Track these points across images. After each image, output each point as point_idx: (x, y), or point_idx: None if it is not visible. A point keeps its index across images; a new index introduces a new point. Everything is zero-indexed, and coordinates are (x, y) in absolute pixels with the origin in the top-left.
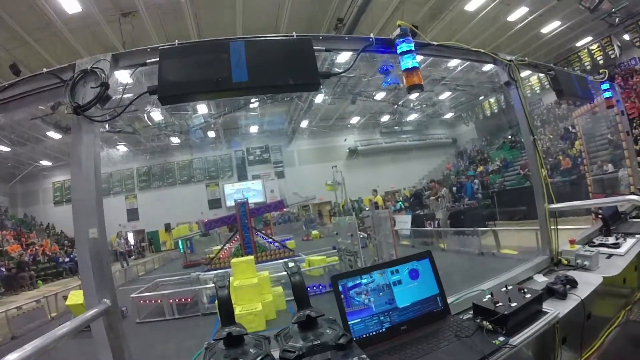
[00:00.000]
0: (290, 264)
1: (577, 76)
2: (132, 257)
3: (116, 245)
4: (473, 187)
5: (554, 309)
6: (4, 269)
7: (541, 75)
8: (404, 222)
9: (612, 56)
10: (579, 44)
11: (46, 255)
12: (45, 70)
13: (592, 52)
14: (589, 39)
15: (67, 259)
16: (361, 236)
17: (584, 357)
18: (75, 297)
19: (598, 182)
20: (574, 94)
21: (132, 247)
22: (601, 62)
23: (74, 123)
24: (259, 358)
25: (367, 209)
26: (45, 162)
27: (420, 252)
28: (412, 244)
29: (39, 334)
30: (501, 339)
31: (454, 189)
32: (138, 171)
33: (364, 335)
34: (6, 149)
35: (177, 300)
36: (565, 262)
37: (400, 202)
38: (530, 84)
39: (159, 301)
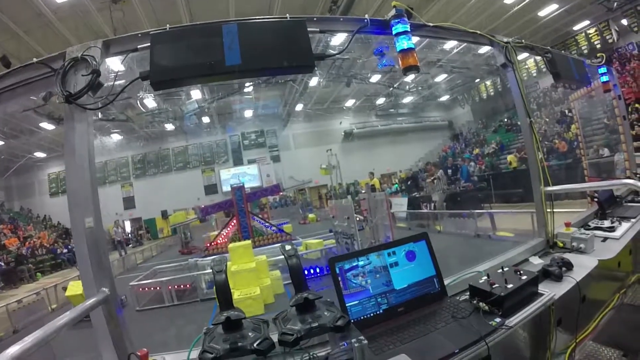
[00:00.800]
0: (287, 247)
1: (574, 59)
2: (129, 246)
3: (113, 234)
4: (469, 170)
5: (550, 291)
6: (2, 263)
7: (538, 58)
8: (400, 204)
9: (610, 41)
10: (576, 28)
11: (44, 247)
12: (35, 60)
13: (590, 36)
14: (586, 23)
15: (65, 250)
16: (358, 219)
17: (578, 338)
18: (75, 287)
19: (594, 166)
20: (571, 77)
21: (129, 235)
22: (598, 46)
23: (66, 112)
24: (258, 341)
25: (363, 191)
26: (39, 154)
27: (416, 233)
28: (408, 226)
29: (40, 326)
30: (497, 320)
31: (449, 171)
32: (133, 159)
33: (362, 317)
34: None
35: (175, 286)
36: (561, 245)
37: (396, 185)
38: (527, 67)
39: (158, 288)
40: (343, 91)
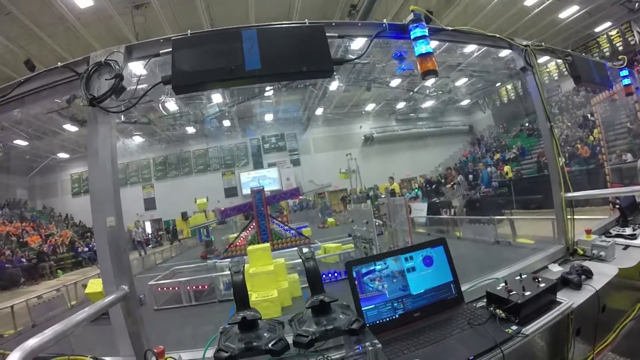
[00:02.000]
0: (305, 250)
1: (595, 62)
2: (149, 246)
3: (134, 234)
4: (489, 175)
5: (568, 300)
6: (24, 260)
7: (559, 61)
8: (420, 209)
9: (632, 42)
10: (597, 30)
11: (65, 245)
12: (60, 64)
13: (611, 38)
14: (608, 24)
15: (86, 249)
16: (377, 224)
17: (597, 349)
18: (94, 285)
19: (616, 171)
20: (592, 81)
21: (149, 235)
22: (620, 48)
23: (89, 115)
24: (273, 342)
25: (382, 196)
26: (62, 155)
27: (434, 239)
28: (427, 231)
29: (58, 321)
30: (514, 327)
31: (470, 176)
32: (154, 161)
33: (377, 322)
34: (24, 143)
35: (194, 287)
36: (581, 252)
37: (416, 190)
38: (548, 70)
39: (176, 288)
40: (363, 95)
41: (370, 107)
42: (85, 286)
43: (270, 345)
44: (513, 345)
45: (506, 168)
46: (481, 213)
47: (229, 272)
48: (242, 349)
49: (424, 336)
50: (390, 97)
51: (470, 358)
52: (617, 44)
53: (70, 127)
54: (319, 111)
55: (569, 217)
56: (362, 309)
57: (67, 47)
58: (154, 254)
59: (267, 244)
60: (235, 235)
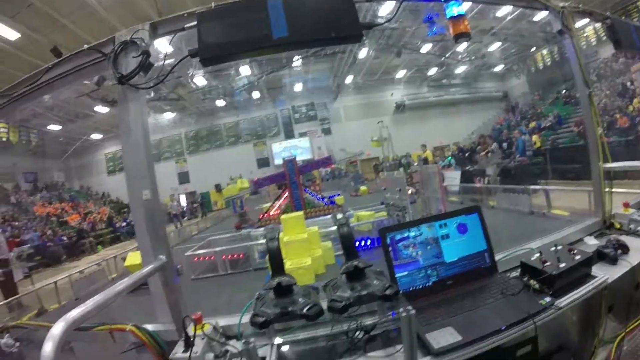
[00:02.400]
0: (339, 216)
1: (636, 27)
2: (185, 218)
3: (169, 207)
4: (525, 143)
5: (603, 274)
6: (65, 238)
7: (597, 25)
8: (453, 177)
9: None
10: None
11: (104, 222)
12: (86, 46)
13: None
14: None
15: (123, 224)
16: (410, 192)
17: (629, 328)
18: (133, 258)
19: None
20: (633, 46)
21: (184, 208)
22: None
23: (119, 93)
24: (307, 307)
25: (415, 164)
26: (95, 136)
27: (468, 206)
28: (460, 200)
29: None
30: (547, 299)
31: (505, 144)
32: (186, 135)
33: (411, 289)
34: (57, 127)
35: (229, 256)
36: (618, 226)
37: (449, 158)
38: (585, 34)
39: (212, 258)
40: (393, 62)
41: (401, 73)
42: (124, 259)
43: (305, 310)
44: (546, 317)
45: (534, 138)
46: (515, 182)
47: (264, 240)
48: (277, 314)
49: (456, 304)
50: (422, 63)
51: (503, 328)
52: None
53: (102, 109)
54: (349, 79)
55: (606, 189)
56: (396, 275)
57: (91, 32)
58: (189, 225)
59: (301, 212)
60: (268, 205)
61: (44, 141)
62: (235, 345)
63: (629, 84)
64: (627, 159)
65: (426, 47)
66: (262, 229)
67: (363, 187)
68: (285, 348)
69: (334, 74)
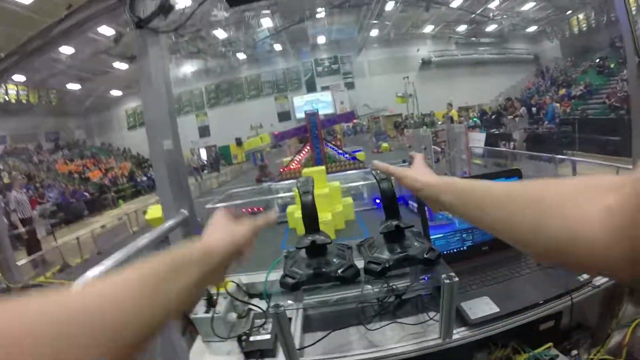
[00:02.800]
0: (382, 176)
1: None
2: (205, 172)
3: (190, 161)
4: (555, 110)
5: None
6: (87, 194)
7: None
8: (478, 139)
9: None
10: None
11: (125, 177)
12: None
13: None
14: None
15: (144, 178)
16: (434, 151)
17: None
18: (154, 211)
19: None
20: None
21: (204, 162)
22: None
23: (137, 39)
24: (343, 268)
25: (439, 122)
26: (115, 92)
27: (510, 168)
28: (484, 163)
29: (121, 248)
30: (586, 275)
31: (533, 109)
32: (207, 89)
33: (445, 252)
34: (77, 86)
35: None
36: None
37: (474, 118)
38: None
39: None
40: (421, 16)
41: (428, 29)
42: (145, 213)
43: (340, 272)
44: (582, 295)
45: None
46: (542, 150)
47: (286, 195)
48: (310, 275)
49: (491, 272)
50: (451, 19)
51: (540, 302)
52: None
53: (120, 65)
54: (374, 33)
55: None
56: (430, 237)
57: None
58: (210, 179)
59: (322, 167)
60: (289, 158)
61: (64, 100)
62: (259, 305)
63: None
64: None
65: (456, 2)
66: (282, 183)
67: (385, 144)
68: (311, 310)
69: (359, 26)
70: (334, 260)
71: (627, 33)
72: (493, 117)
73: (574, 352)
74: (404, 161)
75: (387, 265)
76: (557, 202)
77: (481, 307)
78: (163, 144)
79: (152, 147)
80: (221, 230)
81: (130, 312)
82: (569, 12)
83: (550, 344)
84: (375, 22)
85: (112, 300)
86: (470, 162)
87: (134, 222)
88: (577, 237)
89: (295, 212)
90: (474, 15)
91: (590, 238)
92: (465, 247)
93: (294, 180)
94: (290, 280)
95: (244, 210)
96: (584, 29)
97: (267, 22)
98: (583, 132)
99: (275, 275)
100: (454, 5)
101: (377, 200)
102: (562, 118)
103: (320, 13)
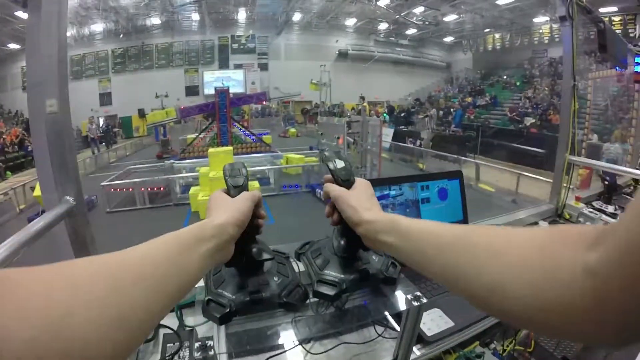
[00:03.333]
0: (339, 164)
1: (621, 39)
2: (102, 144)
3: (87, 130)
4: (462, 115)
5: None
6: None
7: (555, 26)
8: (386, 135)
9: (632, 34)
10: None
11: (15, 144)
12: None
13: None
14: (614, 8)
15: None
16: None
17: None
18: None
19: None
20: (614, 56)
21: (103, 132)
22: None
23: None
24: (287, 290)
25: (349, 114)
26: (13, 45)
27: (452, 170)
28: (390, 157)
29: (5, 229)
30: None
31: (441, 113)
32: (113, 53)
33: None
34: None
35: (149, 189)
36: (567, 217)
37: (385, 115)
38: (540, 31)
39: (130, 190)
40: (346, 8)
41: (351, 21)
42: (33, 188)
43: (284, 295)
44: None
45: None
46: (447, 150)
47: (187, 175)
48: (245, 302)
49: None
50: (374, 16)
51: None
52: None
53: (23, 14)
54: (297, 16)
55: (564, 184)
56: None
57: None
58: (108, 152)
59: (230, 148)
60: (193, 136)
61: None
62: (169, 325)
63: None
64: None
65: (384, 1)
66: (185, 161)
67: (292, 129)
68: (236, 327)
69: (284, 7)
70: (274, 278)
71: (568, 57)
72: (402, 114)
73: (492, 345)
74: (311, 148)
75: (343, 287)
76: (520, 259)
77: (435, 321)
78: (45, 104)
79: (31, 107)
80: (225, 208)
81: (165, 271)
82: (487, 30)
83: (477, 342)
84: (300, 6)
85: (152, 261)
86: (380, 156)
87: (21, 198)
88: (549, 302)
89: (198, 194)
90: (397, 17)
91: (565, 303)
92: None
93: (197, 160)
94: (219, 309)
95: (142, 189)
96: (498, 47)
97: None
98: (485, 138)
99: None
100: (380, 3)
101: (285, 187)
102: (466, 123)
103: None
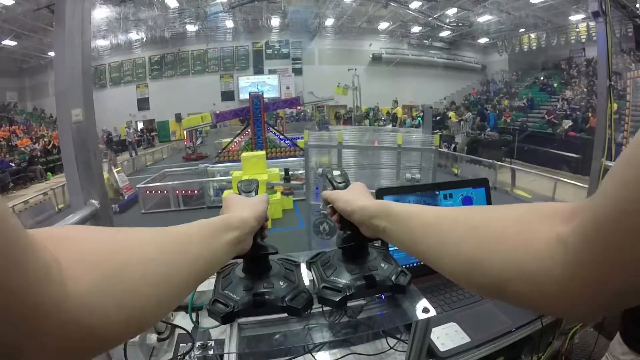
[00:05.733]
0: (335, 172)
1: None
2: (140, 147)
3: (125, 134)
4: (496, 118)
5: None
6: (13, 164)
7: (592, 24)
8: None
9: None
10: None
11: (56, 147)
12: None
13: None
14: None
15: None
16: None
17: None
18: None
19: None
20: None
21: (140, 136)
22: None
23: None
24: (291, 295)
25: (383, 118)
26: (53, 54)
27: (477, 178)
28: None
29: (44, 227)
30: None
31: (477, 117)
32: (150, 60)
33: (405, 266)
34: (12, 43)
35: (183, 192)
36: None
37: (419, 118)
38: (577, 29)
39: (165, 192)
40: (378, 12)
41: (383, 25)
42: None
43: (287, 300)
44: (550, 318)
45: (451, 114)
46: (482, 155)
47: (220, 178)
48: (248, 303)
49: (457, 292)
50: (407, 19)
51: (512, 330)
52: None
53: None
54: (330, 22)
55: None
56: (389, 249)
57: None
58: (145, 155)
59: (263, 152)
60: (228, 140)
61: None
62: (183, 327)
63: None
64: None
65: (415, 4)
66: (220, 165)
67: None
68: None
69: (316, 13)
70: (280, 282)
71: (603, 55)
72: (437, 118)
73: None
74: None
75: (347, 293)
76: (498, 232)
77: (450, 336)
78: (71, 113)
79: (60, 114)
80: (245, 205)
81: (199, 248)
82: (522, 30)
83: (502, 358)
84: (332, 11)
85: (189, 239)
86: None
87: (60, 198)
88: (522, 271)
89: None
90: (430, 19)
91: (537, 272)
92: None
93: (231, 163)
94: (222, 309)
95: (177, 192)
96: (534, 47)
97: None
98: (522, 142)
99: (207, 284)
100: (412, 5)
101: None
102: (502, 127)
103: None
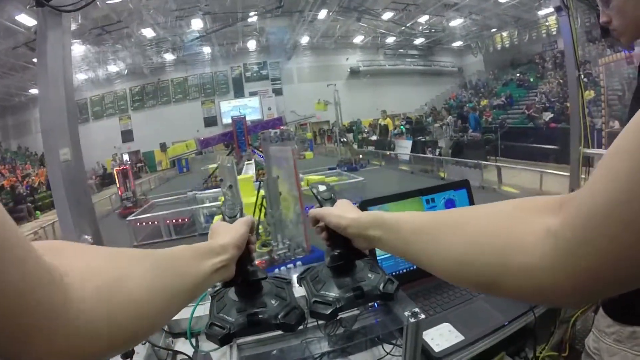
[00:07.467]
0: (321, 187)
1: None
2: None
3: (111, 168)
4: (477, 119)
5: None
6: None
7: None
8: (405, 147)
9: None
10: None
11: (42, 184)
12: None
13: None
14: None
15: None
16: None
17: (582, 310)
18: None
19: (611, 137)
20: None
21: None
22: None
23: (39, 19)
24: (284, 312)
25: (366, 130)
26: (35, 91)
27: (458, 180)
28: (410, 169)
29: None
30: None
31: (459, 120)
32: (131, 91)
33: (394, 273)
34: None
35: (173, 220)
36: None
37: (402, 126)
38: (547, 23)
39: (156, 222)
40: (352, 26)
41: (358, 39)
42: None
43: (280, 317)
44: (543, 308)
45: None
46: (467, 157)
47: (210, 204)
48: (243, 324)
49: (448, 294)
50: (381, 31)
51: (506, 323)
52: None
53: None
54: (305, 40)
55: (582, 176)
56: (377, 257)
57: None
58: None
59: (250, 175)
60: (215, 165)
61: None
62: (184, 352)
63: (582, 75)
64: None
65: (387, 15)
66: (208, 191)
67: (308, 153)
68: (249, 350)
69: (290, 33)
70: (272, 301)
71: (569, 48)
72: (418, 125)
73: (522, 353)
74: (330, 168)
75: (337, 306)
76: (488, 229)
77: (444, 336)
78: (59, 153)
79: (48, 157)
80: (225, 232)
81: (185, 269)
82: (494, 29)
83: (503, 353)
84: (306, 29)
85: (178, 259)
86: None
87: (50, 235)
88: (514, 265)
89: None
90: (403, 28)
91: (529, 265)
92: (416, 267)
93: (219, 189)
94: (218, 331)
95: (167, 221)
96: (507, 45)
97: (197, 24)
98: (504, 139)
99: (203, 309)
100: (385, 17)
101: (307, 209)
102: (484, 126)
103: (253, 17)
